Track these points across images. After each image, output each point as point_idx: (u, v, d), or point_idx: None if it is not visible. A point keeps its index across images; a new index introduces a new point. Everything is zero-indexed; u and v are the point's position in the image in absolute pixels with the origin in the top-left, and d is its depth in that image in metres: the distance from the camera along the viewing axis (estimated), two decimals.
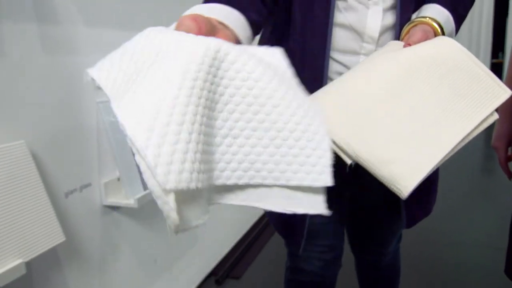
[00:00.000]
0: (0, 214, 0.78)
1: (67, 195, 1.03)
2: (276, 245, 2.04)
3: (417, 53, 0.69)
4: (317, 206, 0.46)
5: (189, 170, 0.39)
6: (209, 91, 0.43)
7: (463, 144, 0.66)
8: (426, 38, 0.70)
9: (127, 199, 1.15)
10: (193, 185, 0.40)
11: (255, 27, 0.66)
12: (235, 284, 1.76)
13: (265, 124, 0.45)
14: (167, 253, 1.48)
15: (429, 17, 0.72)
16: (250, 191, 0.47)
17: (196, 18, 0.50)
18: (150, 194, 1.18)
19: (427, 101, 0.67)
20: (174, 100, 0.40)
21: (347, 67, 0.80)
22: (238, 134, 0.45)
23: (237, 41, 0.60)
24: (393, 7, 0.78)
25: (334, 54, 0.81)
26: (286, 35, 0.83)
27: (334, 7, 0.76)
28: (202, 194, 0.43)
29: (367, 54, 0.79)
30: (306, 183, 0.45)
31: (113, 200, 1.16)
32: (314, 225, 0.90)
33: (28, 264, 0.83)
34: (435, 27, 0.72)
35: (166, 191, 0.39)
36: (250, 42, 0.65)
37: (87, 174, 1.11)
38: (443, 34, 0.73)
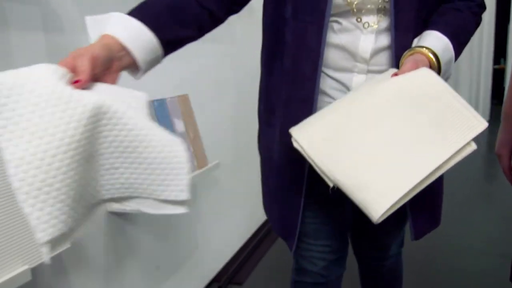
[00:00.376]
0: (5, 221, 0.78)
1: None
2: (278, 251, 2.04)
3: (397, 84, 0.73)
4: (180, 209, 0.63)
5: (60, 220, 0.53)
6: (88, 142, 0.56)
7: (440, 173, 0.68)
8: (415, 68, 0.73)
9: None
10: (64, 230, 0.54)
11: (180, 43, 0.77)
12: None
13: (139, 159, 0.61)
14: (169, 260, 1.48)
15: (426, 47, 0.75)
16: (135, 200, 0.65)
17: (95, 59, 0.59)
18: None
19: (402, 130, 0.70)
20: (53, 157, 0.52)
21: (342, 83, 0.84)
22: (119, 167, 0.61)
23: (135, 66, 0.69)
24: (387, 29, 0.80)
25: (329, 71, 0.84)
26: (279, 56, 0.85)
27: (326, 34, 0.78)
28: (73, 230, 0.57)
29: (360, 72, 0.82)
30: (171, 198, 0.62)
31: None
32: (309, 225, 0.92)
33: (34, 270, 0.83)
34: (430, 57, 0.75)
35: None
36: (158, 61, 0.73)
37: None
38: (439, 64, 0.75)
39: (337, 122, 0.72)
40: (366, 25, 0.79)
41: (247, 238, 2.14)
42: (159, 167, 0.61)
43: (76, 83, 0.57)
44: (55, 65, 0.57)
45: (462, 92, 5.23)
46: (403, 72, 0.73)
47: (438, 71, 0.76)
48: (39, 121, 0.52)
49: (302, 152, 0.72)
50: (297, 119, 0.77)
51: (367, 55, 0.80)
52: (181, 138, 1.41)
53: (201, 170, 1.50)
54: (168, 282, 1.46)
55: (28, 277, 0.81)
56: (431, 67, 0.75)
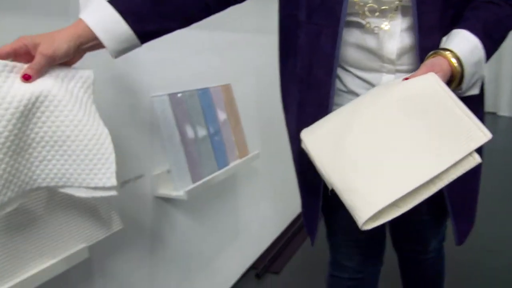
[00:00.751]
0: (64, 202, 0.82)
1: (122, 184, 1.08)
2: (316, 241, 2.05)
3: (401, 89, 0.70)
4: (110, 193, 0.70)
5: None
6: (22, 133, 0.63)
7: (440, 184, 0.64)
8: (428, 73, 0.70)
9: (177, 191, 1.19)
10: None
11: (152, 35, 0.75)
12: (274, 279, 1.78)
13: (68, 152, 0.67)
14: (211, 245, 1.51)
15: (450, 50, 0.71)
16: (69, 189, 0.71)
17: (52, 59, 0.64)
18: (199, 187, 1.22)
19: (399, 138, 0.67)
20: None
21: (370, 83, 0.82)
22: (51, 159, 0.67)
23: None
24: (411, 30, 0.76)
25: (356, 72, 0.83)
26: (291, 58, 0.85)
27: (341, 38, 0.76)
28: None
29: (388, 72, 0.80)
30: (100, 185, 0.69)
31: (163, 191, 1.20)
32: (344, 219, 0.92)
33: (90, 249, 0.87)
34: (452, 62, 0.70)
35: None
36: (133, 49, 0.74)
37: (140, 166, 1.15)
38: (462, 68, 0.71)
39: (340, 126, 0.71)
40: (384, 26, 0.76)
41: (284, 228, 2.15)
42: (86, 158, 0.68)
43: (24, 77, 0.63)
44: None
45: (504, 88, 5.01)
46: (415, 76, 0.70)
47: (461, 76, 0.72)
48: None
49: (308, 153, 0.73)
50: (311, 122, 0.77)
51: (393, 56, 0.78)
52: (223, 126, 1.44)
53: (242, 160, 1.52)
54: (209, 267, 1.50)
55: (85, 255, 0.85)
56: (452, 72, 0.71)
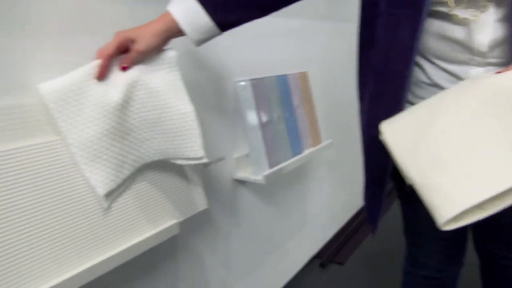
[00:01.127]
0: (159, 179, 0.87)
1: (205, 166, 1.12)
2: (379, 235, 2.01)
3: (494, 84, 0.65)
4: (201, 161, 0.81)
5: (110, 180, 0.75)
6: (123, 120, 0.75)
7: None
8: None
9: (255, 175, 1.21)
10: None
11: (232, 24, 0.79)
12: (338, 269, 1.77)
13: (163, 130, 0.79)
14: (281, 231, 1.54)
15: None
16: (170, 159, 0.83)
17: (145, 53, 0.75)
18: (275, 172, 1.23)
19: (491, 134, 0.61)
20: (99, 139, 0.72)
21: (456, 76, 0.78)
22: (150, 138, 0.79)
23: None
24: (505, 19, 0.71)
25: (441, 63, 0.78)
26: (368, 48, 0.83)
27: (422, 29, 0.73)
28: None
29: (478, 65, 0.75)
30: (191, 156, 0.80)
31: (242, 174, 1.23)
32: (424, 215, 0.90)
33: (180, 225, 0.92)
34: None
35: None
36: (213, 37, 0.79)
37: (222, 148, 1.18)
38: None
39: (424, 120, 0.67)
40: (474, 16, 0.71)
41: (349, 218, 2.13)
42: (176, 135, 0.79)
43: (123, 68, 0.75)
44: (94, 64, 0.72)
45: None
46: (508, 70, 0.65)
47: None
48: (87, 114, 0.71)
49: (386, 146, 0.70)
50: (382, 115, 0.74)
51: (484, 48, 0.73)
52: (299, 114, 1.44)
53: (315, 148, 1.52)
54: (277, 252, 1.52)
55: (176, 231, 0.89)
56: None
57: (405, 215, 0.99)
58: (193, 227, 1.10)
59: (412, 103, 0.82)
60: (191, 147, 0.79)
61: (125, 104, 0.74)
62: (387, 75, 0.80)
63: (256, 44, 1.32)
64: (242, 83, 1.19)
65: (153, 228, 0.85)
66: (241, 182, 1.27)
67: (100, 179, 0.73)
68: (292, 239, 1.62)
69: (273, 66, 1.40)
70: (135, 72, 0.75)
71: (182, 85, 0.80)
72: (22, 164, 0.65)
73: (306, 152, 1.46)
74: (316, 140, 1.56)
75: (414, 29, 0.73)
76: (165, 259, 1.02)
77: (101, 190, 0.73)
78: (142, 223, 0.83)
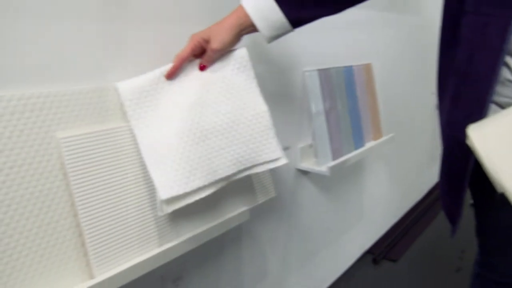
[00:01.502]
0: None
1: None
2: (436, 231, 1.95)
3: None
4: (280, 162, 0.80)
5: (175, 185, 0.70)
6: (197, 124, 0.73)
7: None
8: None
9: (319, 166, 1.20)
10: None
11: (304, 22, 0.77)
12: (391, 266, 1.74)
13: (238, 135, 0.76)
14: (337, 224, 1.52)
15: None
16: (245, 172, 0.79)
17: (221, 52, 0.75)
18: (339, 164, 1.21)
19: None
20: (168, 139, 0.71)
21: None
22: (224, 146, 0.75)
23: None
24: None
25: None
26: (452, 47, 0.78)
27: (510, 34, 0.67)
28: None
29: None
30: (268, 160, 0.78)
31: (305, 165, 1.22)
32: (501, 220, 0.87)
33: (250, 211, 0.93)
34: None
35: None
36: (285, 34, 0.77)
37: (287, 138, 1.18)
38: None
39: None
40: None
41: (403, 214, 2.08)
42: (251, 137, 0.76)
43: (201, 68, 0.76)
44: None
45: None
46: None
47: None
48: (160, 115, 0.71)
49: (474, 151, 0.66)
50: (464, 118, 0.72)
51: None
52: (362, 106, 1.41)
53: (375, 142, 1.49)
54: (332, 245, 1.51)
55: (247, 217, 0.90)
56: None
57: (478, 217, 0.95)
58: (256, 215, 1.11)
59: (496, 103, 0.78)
60: (268, 149, 0.77)
61: (198, 106, 0.73)
62: (471, 76, 0.76)
63: (322, 36, 1.30)
64: (310, 72, 1.18)
65: (226, 213, 0.86)
66: (304, 173, 1.27)
67: (165, 182, 0.68)
68: (347, 233, 1.60)
69: (337, 57, 1.37)
70: (208, 73, 0.75)
71: (256, 83, 0.79)
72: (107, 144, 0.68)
73: (368, 145, 1.43)
74: (378, 133, 1.53)
75: (504, 31, 0.69)
76: (231, 243, 1.04)
77: (163, 193, 0.68)
78: (219, 208, 0.84)
